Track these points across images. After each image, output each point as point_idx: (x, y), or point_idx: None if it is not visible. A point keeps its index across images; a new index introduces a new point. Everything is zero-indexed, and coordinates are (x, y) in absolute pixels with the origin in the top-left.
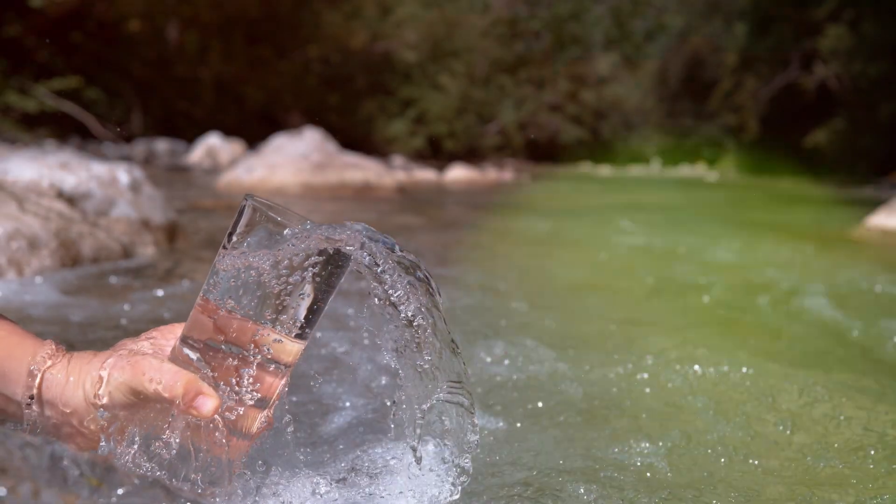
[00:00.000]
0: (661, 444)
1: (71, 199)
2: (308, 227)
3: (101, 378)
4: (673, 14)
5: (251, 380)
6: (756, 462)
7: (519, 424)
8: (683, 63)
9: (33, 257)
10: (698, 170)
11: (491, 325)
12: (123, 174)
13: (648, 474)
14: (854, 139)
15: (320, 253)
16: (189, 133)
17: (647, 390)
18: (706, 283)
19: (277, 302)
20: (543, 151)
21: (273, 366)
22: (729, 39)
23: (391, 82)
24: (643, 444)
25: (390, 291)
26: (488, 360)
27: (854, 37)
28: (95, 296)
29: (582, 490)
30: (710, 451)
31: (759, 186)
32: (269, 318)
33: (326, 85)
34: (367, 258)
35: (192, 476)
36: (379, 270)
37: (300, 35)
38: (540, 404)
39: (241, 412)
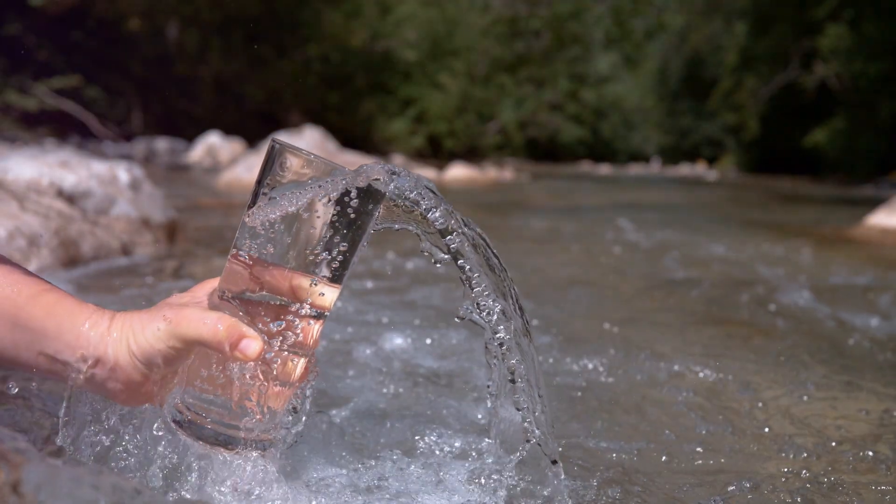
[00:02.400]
0: (637, 435)
1: (71, 198)
2: (341, 170)
3: (143, 331)
4: (673, 13)
5: (290, 327)
6: (724, 452)
7: (479, 413)
8: (683, 62)
9: (33, 256)
10: (698, 169)
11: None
12: (123, 173)
13: (617, 464)
14: (854, 138)
15: (351, 191)
16: (189, 132)
17: (632, 384)
18: (700, 280)
19: (310, 246)
20: (543, 150)
21: (311, 311)
22: (729, 38)
23: (391, 81)
24: (620, 436)
25: (435, 222)
26: (479, 354)
27: (854, 36)
28: (95, 294)
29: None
30: (683, 443)
31: (758, 185)
32: (303, 263)
33: (326, 84)
34: (403, 191)
35: (237, 425)
36: (411, 202)
37: (300, 34)
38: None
39: (283, 360)
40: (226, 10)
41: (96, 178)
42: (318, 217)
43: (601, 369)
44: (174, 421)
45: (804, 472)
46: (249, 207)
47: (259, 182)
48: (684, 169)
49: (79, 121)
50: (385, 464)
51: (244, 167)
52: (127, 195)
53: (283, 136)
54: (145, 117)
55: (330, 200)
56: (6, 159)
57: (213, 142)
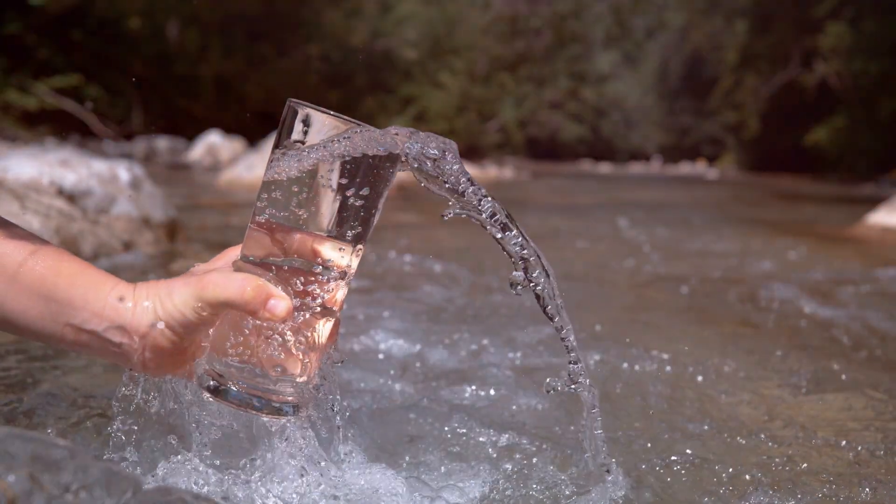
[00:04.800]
0: (617, 427)
1: (71, 197)
2: (362, 129)
3: (170, 297)
4: (673, 11)
5: (314, 289)
6: (704, 445)
7: (495, 405)
8: (684, 61)
9: None
10: (699, 167)
11: (477, 319)
12: (124, 172)
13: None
14: (854, 137)
15: (370, 151)
16: (189, 131)
17: (619, 377)
18: (694, 277)
19: (331, 208)
20: (544, 149)
21: (334, 273)
22: (729, 37)
23: (391, 80)
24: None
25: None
26: (469, 349)
27: (854, 34)
28: None
29: (531, 461)
30: (664, 435)
31: (759, 184)
32: (323, 224)
33: (327, 83)
34: (419, 152)
35: (267, 388)
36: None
37: (300, 33)
38: (516, 388)
39: (309, 322)
40: (226, 9)
41: (97, 177)
42: (337, 177)
43: (589, 363)
44: (205, 387)
45: (784, 465)
46: (268, 171)
47: (277, 145)
48: (685, 167)
49: (79, 120)
50: (402, 457)
51: (244, 166)
52: (127, 194)
53: None
54: (145, 116)
55: (349, 159)
56: (6, 158)
57: (213, 141)
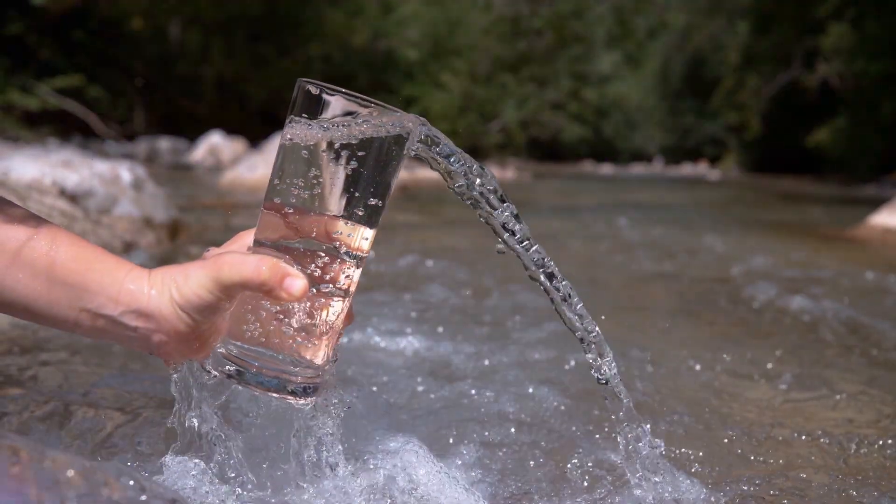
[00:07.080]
0: (604, 423)
1: (73, 198)
2: (374, 110)
3: (186, 281)
4: (675, 12)
5: (328, 271)
6: (686, 441)
7: (494, 401)
8: (685, 61)
9: None
10: (700, 168)
11: (477, 318)
12: (126, 172)
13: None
14: (856, 138)
15: (381, 132)
16: (191, 131)
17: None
18: (691, 277)
19: (344, 189)
20: (545, 150)
21: (348, 256)
22: (731, 37)
23: (393, 80)
24: (590, 423)
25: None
26: (469, 347)
27: (856, 35)
28: None
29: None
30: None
31: (761, 185)
32: (337, 206)
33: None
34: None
35: (284, 369)
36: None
37: (302, 33)
38: (517, 385)
39: (324, 304)
40: (227, 10)
41: (98, 178)
42: (349, 157)
43: (581, 361)
44: (221, 370)
45: (772, 461)
46: (279, 153)
47: (288, 125)
48: (686, 168)
49: (81, 120)
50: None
51: (246, 166)
52: (129, 195)
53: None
54: (147, 117)
55: (362, 139)
56: (9, 159)
57: (215, 141)
